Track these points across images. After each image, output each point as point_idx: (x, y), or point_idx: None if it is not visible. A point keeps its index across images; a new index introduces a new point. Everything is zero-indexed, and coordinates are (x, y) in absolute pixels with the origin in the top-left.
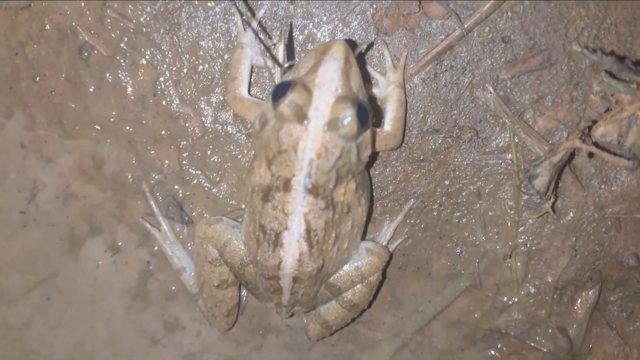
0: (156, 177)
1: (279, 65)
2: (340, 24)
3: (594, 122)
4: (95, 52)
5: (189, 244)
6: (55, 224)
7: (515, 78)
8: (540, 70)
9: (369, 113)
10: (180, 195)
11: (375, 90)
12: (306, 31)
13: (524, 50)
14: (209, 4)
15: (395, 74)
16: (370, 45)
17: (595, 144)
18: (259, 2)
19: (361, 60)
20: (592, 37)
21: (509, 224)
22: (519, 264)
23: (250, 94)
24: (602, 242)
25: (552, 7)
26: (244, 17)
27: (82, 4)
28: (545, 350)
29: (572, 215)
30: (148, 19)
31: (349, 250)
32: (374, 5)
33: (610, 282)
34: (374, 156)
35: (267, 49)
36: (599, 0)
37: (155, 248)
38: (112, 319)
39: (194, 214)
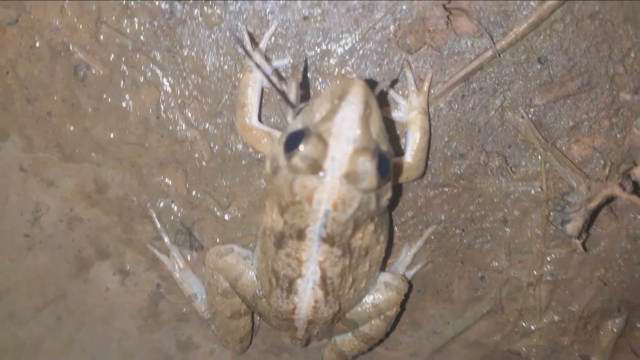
0: (163, 201)
1: (292, 106)
2: (359, 41)
3: (635, 163)
4: (93, 71)
5: (201, 268)
6: (61, 247)
7: (550, 104)
8: (578, 95)
9: (390, 164)
10: (189, 220)
11: (395, 114)
12: (320, 49)
13: (561, 72)
14: (213, 19)
15: (419, 98)
16: (394, 82)
17: (635, 184)
18: (269, 19)
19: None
20: None
21: (535, 253)
22: (543, 292)
23: (260, 120)
24: (633, 274)
25: (597, 26)
26: (246, 48)
27: (75, 18)
28: None
29: (603, 245)
30: (147, 35)
31: (366, 288)
32: (397, 22)
33: (638, 310)
34: (394, 189)
35: (275, 84)
36: None
37: (165, 271)
38: (124, 338)
39: (203, 238)
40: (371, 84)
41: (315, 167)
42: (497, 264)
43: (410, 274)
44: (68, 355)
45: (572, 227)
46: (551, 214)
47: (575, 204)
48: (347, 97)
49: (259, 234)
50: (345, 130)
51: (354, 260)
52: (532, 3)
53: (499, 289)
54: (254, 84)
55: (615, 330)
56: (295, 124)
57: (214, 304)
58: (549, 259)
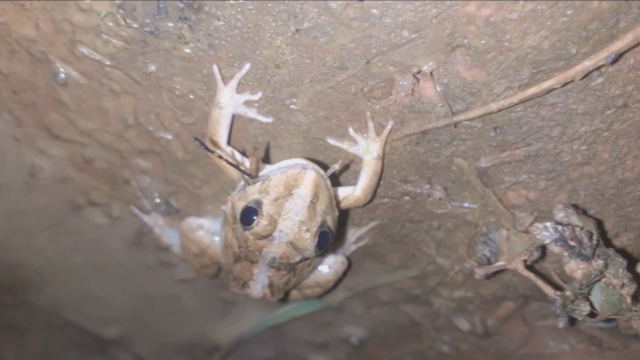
0: (143, 177)
1: (250, 176)
2: (327, 89)
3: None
4: (73, 78)
5: (178, 223)
6: (57, 194)
7: (495, 166)
8: (523, 161)
9: (329, 239)
10: (166, 193)
11: (354, 150)
12: (289, 89)
13: (512, 141)
14: (185, 51)
15: (377, 143)
16: (346, 166)
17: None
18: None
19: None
20: (588, 143)
21: (458, 254)
22: (460, 277)
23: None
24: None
25: (556, 112)
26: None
27: (50, 34)
28: (463, 329)
29: None
30: (123, 57)
31: (310, 274)
32: (366, 80)
33: (532, 297)
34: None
35: (232, 163)
36: (605, 115)
37: None
38: (114, 252)
39: (180, 205)
40: (323, 165)
41: (266, 237)
42: (426, 250)
43: (352, 248)
44: (69, 261)
45: (479, 274)
46: (474, 242)
47: (494, 241)
48: (297, 190)
49: (223, 235)
50: (293, 215)
51: (298, 271)
52: (495, 90)
53: (426, 265)
54: (223, 119)
55: (510, 308)
56: (252, 190)
57: (187, 258)
58: (469, 259)
